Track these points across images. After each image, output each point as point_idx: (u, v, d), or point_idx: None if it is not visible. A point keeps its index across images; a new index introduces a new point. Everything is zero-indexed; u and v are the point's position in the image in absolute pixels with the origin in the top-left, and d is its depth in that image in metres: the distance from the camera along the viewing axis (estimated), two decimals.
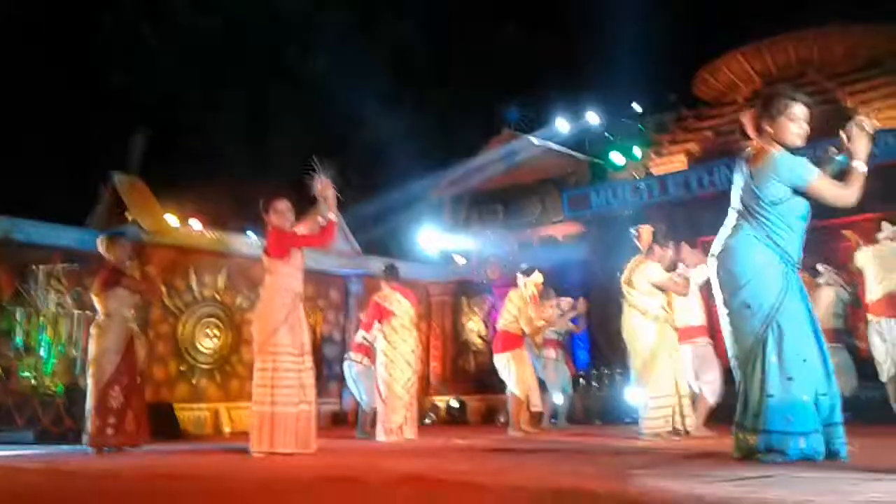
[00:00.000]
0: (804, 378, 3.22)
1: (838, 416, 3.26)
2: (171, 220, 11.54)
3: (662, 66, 15.47)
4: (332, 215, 5.19)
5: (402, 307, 7.20)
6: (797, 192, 3.39)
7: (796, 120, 3.43)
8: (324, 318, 12.86)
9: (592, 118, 14.49)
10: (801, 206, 3.41)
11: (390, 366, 7.00)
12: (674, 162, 13.19)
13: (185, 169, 14.95)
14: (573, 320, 9.37)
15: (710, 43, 14.96)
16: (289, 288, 5.04)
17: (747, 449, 3.28)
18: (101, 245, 6.24)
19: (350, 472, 3.01)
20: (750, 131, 3.54)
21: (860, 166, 3.36)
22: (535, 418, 7.95)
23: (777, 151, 3.41)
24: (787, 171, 3.36)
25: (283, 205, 5.16)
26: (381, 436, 6.89)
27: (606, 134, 14.38)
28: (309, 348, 5.06)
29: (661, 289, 6.03)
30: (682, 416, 5.89)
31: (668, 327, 6.02)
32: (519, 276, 7.99)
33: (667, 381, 5.90)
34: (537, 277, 7.97)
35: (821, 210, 3.51)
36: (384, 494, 2.37)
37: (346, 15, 19.00)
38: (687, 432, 5.84)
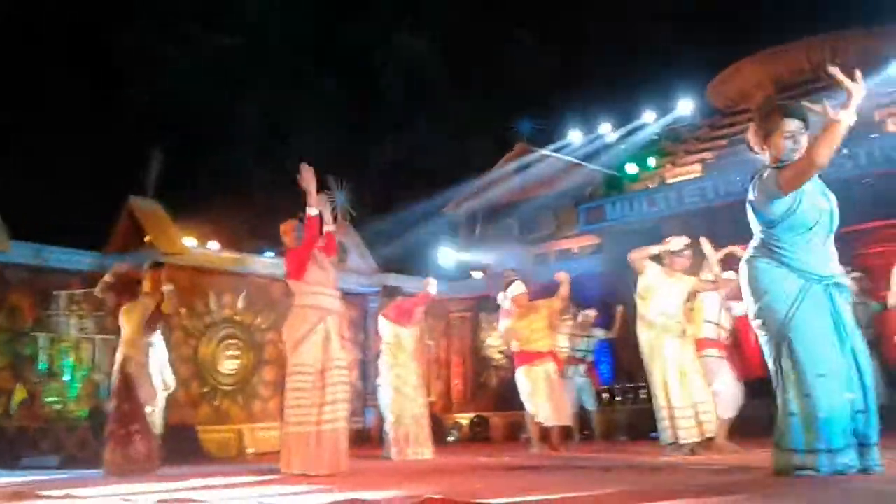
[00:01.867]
0: (824, 394, 3.13)
1: (874, 436, 3.17)
2: (189, 242, 11.62)
3: (675, 76, 15.44)
4: (330, 227, 5.18)
5: (390, 333, 7.25)
6: (800, 201, 3.27)
7: (791, 136, 3.35)
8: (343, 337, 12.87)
9: (606, 130, 14.47)
10: (807, 216, 3.28)
11: (393, 388, 7.07)
12: (689, 171, 13.14)
13: (202, 191, 15.08)
14: (598, 322, 9.34)
15: (723, 51, 14.93)
16: (312, 305, 5.04)
17: (782, 466, 3.23)
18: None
19: (363, 495, 3.00)
20: (756, 149, 3.49)
21: (837, 115, 3.15)
22: (561, 435, 7.79)
23: (765, 173, 3.35)
24: (764, 189, 3.30)
25: (288, 226, 5.22)
26: (394, 456, 6.89)
27: (621, 145, 14.36)
28: (337, 364, 4.98)
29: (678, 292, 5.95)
30: (675, 429, 5.69)
31: (664, 335, 5.82)
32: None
33: (658, 390, 5.78)
34: (515, 289, 7.73)
35: (843, 217, 3.45)
36: None
37: (362, 33, 19.14)
38: (680, 445, 5.69)
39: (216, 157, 16.08)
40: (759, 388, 7.84)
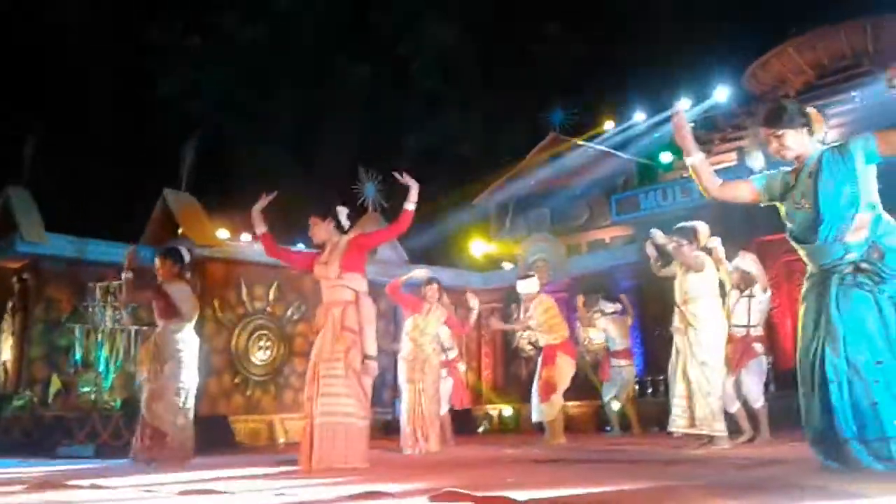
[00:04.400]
0: (804, 393, 3.27)
1: (845, 432, 3.06)
2: (222, 234, 11.72)
3: (711, 63, 15.15)
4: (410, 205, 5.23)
5: (406, 325, 7.26)
6: (784, 210, 3.47)
7: (768, 143, 3.45)
8: None
9: (640, 118, 14.27)
10: (787, 222, 3.44)
11: (405, 381, 7.06)
12: (725, 160, 12.90)
13: (235, 184, 15.19)
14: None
15: (760, 36, 14.63)
16: (322, 301, 5.11)
17: None
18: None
19: (383, 487, 2.98)
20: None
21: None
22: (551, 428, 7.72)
23: None
24: None
25: (310, 221, 5.22)
26: (402, 448, 6.86)
27: (654, 134, 14.15)
28: (327, 356, 4.87)
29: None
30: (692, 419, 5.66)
31: (681, 325, 5.79)
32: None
33: (672, 379, 5.83)
34: (524, 288, 8.10)
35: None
36: None
37: (392, 23, 19.11)
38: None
39: (249, 150, 16.19)
40: (793, 379, 7.75)
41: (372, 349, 4.91)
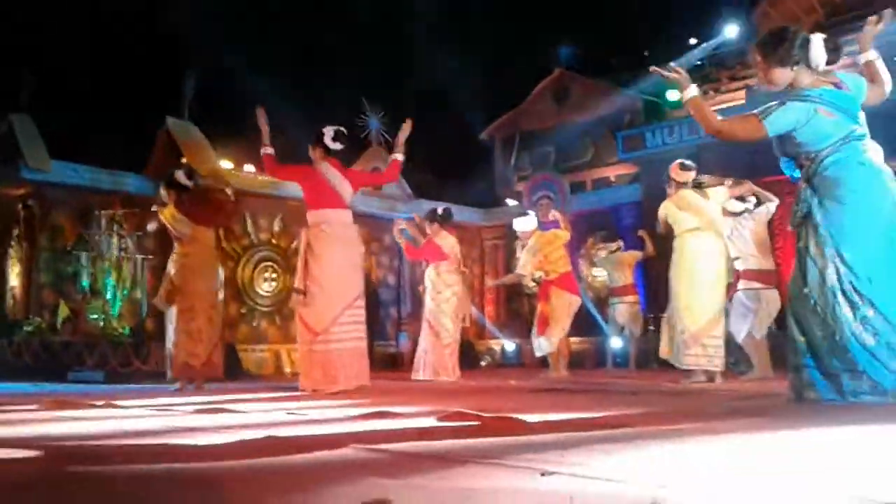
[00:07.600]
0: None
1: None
2: (226, 165, 11.69)
3: None
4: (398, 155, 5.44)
5: (454, 252, 7.35)
6: None
7: None
8: (378, 263, 13.01)
9: (647, 55, 14.05)
10: None
11: (435, 309, 7.15)
12: (734, 99, 12.77)
13: (236, 115, 15.07)
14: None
15: None
16: None
17: None
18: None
19: (391, 409, 3.08)
20: None
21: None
22: (553, 360, 7.81)
23: None
24: None
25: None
26: (413, 376, 7.04)
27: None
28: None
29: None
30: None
31: (678, 261, 5.90)
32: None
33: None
34: (520, 227, 8.12)
35: None
36: (421, 427, 2.41)
37: None
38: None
39: (250, 83, 15.99)
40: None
41: (296, 282, 5.22)
